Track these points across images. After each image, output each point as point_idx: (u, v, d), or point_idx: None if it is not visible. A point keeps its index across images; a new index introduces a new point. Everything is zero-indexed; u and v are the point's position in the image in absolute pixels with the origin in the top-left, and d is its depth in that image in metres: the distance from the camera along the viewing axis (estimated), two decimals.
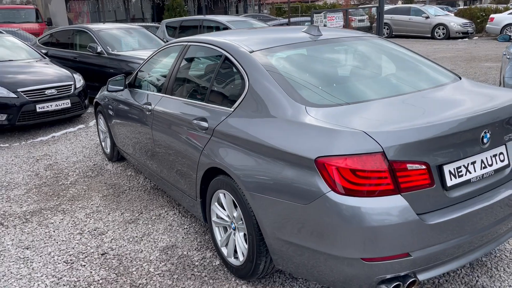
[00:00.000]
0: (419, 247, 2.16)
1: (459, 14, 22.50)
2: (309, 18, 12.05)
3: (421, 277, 2.27)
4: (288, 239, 2.37)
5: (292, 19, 14.10)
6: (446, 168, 2.25)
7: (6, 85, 6.48)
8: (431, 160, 2.16)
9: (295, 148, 2.27)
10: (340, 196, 2.11)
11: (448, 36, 19.34)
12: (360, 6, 27.76)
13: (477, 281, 2.77)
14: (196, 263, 3.10)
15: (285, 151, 2.31)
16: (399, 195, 2.13)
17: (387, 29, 21.35)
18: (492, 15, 18.08)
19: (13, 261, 3.25)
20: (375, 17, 23.57)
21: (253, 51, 2.91)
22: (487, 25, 17.78)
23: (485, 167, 2.40)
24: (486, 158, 2.41)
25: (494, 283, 2.75)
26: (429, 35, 19.82)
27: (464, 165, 2.31)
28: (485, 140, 2.32)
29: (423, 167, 2.15)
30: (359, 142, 2.10)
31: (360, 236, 2.10)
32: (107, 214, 3.97)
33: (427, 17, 20.03)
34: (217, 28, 9.96)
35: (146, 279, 2.96)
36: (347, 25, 12.29)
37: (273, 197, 2.37)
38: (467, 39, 19.32)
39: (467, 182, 2.33)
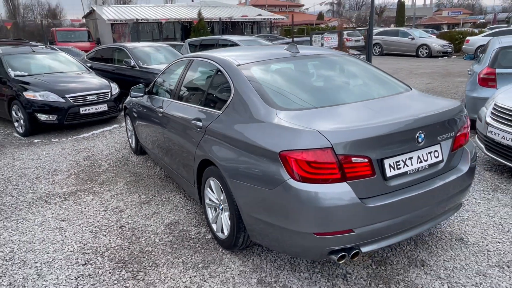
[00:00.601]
0: (361, 225, 2.23)
1: (440, 36, 22.14)
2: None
3: (364, 249, 2.34)
4: (259, 218, 2.47)
5: (296, 39, 14.12)
6: (387, 162, 2.31)
7: (56, 92, 6.71)
8: (372, 154, 2.24)
9: (264, 143, 2.37)
10: (297, 182, 2.20)
11: (430, 55, 19.08)
12: (357, 28, 27.53)
13: (417, 256, 2.82)
14: (193, 236, 3.22)
15: (256, 145, 2.41)
16: (345, 182, 2.21)
17: (379, 48, 21.16)
18: (468, 38, 17.75)
19: (51, 230, 3.42)
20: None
21: (239, 65, 3.01)
22: (464, 46, 17.45)
23: (420, 162, 2.45)
24: (422, 154, 2.46)
25: (432, 258, 2.80)
26: (414, 54, 19.58)
27: (402, 160, 2.37)
28: (419, 140, 2.38)
29: (366, 160, 2.22)
30: (313, 140, 2.19)
31: (312, 215, 2.19)
32: (128, 196, 4.12)
33: (413, 38, 19.79)
34: (230, 45, 10.09)
35: (151, 247, 3.09)
36: (340, 44, 12.25)
37: (248, 183, 2.46)
38: (446, 57, 19.04)
39: (405, 174, 2.39)
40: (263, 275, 2.68)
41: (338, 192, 2.19)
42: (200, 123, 3.04)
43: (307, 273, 2.67)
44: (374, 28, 17.29)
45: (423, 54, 19.38)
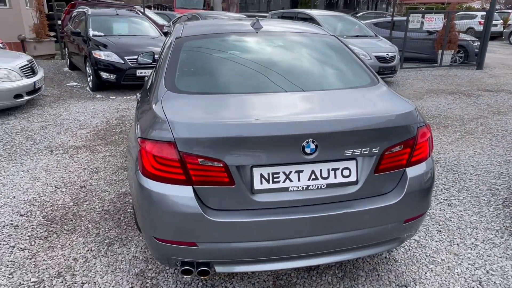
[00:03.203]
0: (206, 240, 1.84)
1: None
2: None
3: (219, 269, 1.95)
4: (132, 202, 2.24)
5: (396, 18, 12.48)
6: (258, 171, 1.84)
7: (118, 53, 7.20)
8: (230, 159, 1.79)
9: (139, 124, 2.10)
10: (142, 176, 1.90)
11: None
12: (499, 10, 23.26)
13: None
14: (128, 215, 3.15)
15: (138, 125, 2.14)
16: (191, 186, 1.83)
17: None
18: None
19: (28, 178, 3.72)
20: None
21: (179, 37, 2.71)
22: None
23: (314, 178, 1.89)
24: (320, 170, 1.89)
25: None
26: None
27: (284, 172, 1.86)
28: (307, 150, 1.81)
29: (220, 164, 1.79)
30: (161, 130, 1.84)
31: (151, 217, 1.88)
32: (116, 159, 4.23)
33: None
34: (309, 20, 9.43)
35: (86, 212, 3.12)
36: (448, 28, 10.41)
37: (131, 162, 2.24)
38: None
39: (284, 189, 1.87)
40: (148, 268, 2.47)
41: (178, 197, 1.82)
42: (138, 95, 2.89)
43: (188, 278, 2.37)
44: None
45: None
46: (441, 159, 4.33)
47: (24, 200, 3.30)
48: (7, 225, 2.94)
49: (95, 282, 2.34)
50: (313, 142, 1.81)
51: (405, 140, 1.98)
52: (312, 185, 1.89)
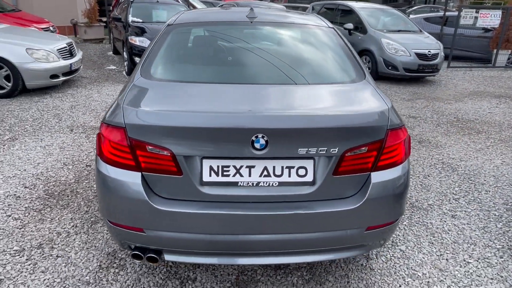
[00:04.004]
0: (152, 228, 1.85)
1: None
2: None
3: (168, 257, 1.96)
4: None
5: (449, 13, 11.62)
6: (208, 163, 1.80)
7: (151, 39, 7.40)
8: (177, 148, 1.77)
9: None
10: (99, 159, 1.94)
11: None
12: None
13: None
14: None
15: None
16: (140, 173, 1.84)
17: None
18: None
19: (43, 153, 3.95)
20: None
21: (170, 25, 2.72)
22: None
23: (266, 175, 1.82)
24: (274, 167, 1.82)
25: None
26: None
27: (234, 166, 1.81)
28: (257, 145, 1.75)
29: (167, 153, 1.78)
30: (115, 115, 1.87)
31: (104, 200, 1.92)
32: None
33: None
34: (348, 12, 9.09)
35: (84, 190, 3.26)
36: (506, 24, 9.54)
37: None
38: None
39: (233, 184, 1.82)
40: (121, 249, 2.54)
41: (126, 182, 1.83)
42: None
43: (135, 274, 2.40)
44: None
45: None
46: (460, 167, 4.01)
47: (32, 174, 3.52)
48: (10, 195, 3.15)
49: (68, 257, 2.45)
50: (263, 137, 1.74)
51: (370, 142, 1.84)
52: (263, 182, 1.82)
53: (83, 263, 2.39)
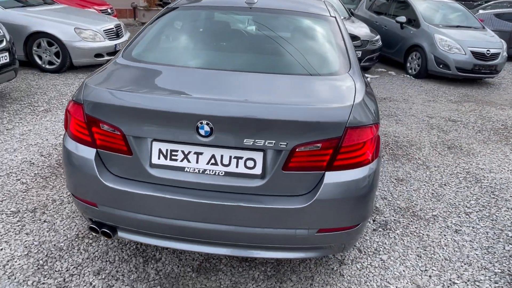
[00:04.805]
0: (103, 203, 1.90)
1: None
2: None
3: (121, 234, 2.01)
4: None
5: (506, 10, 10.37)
6: (157, 146, 1.80)
7: None
8: (127, 128, 1.79)
9: None
10: (65, 133, 2.02)
11: None
12: None
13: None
14: None
15: None
16: (95, 149, 1.89)
17: None
18: None
19: (57, 129, 4.22)
20: None
21: (169, 7, 2.74)
22: None
23: (214, 163, 1.78)
24: (222, 156, 1.77)
25: None
26: None
27: (183, 151, 1.79)
28: (201, 132, 1.71)
29: (118, 132, 1.80)
30: (78, 92, 1.93)
31: (66, 173, 2.00)
32: None
33: None
34: (403, 3, 8.51)
35: None
36: None
37: None
38: None
39: (180, 168, 1.80)
40: (91, 233, 2.64)
41: (82, 157, 1.89)
42: None
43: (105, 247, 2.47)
44: None
45: None
46: (487, 179, 3.62)
47: (51, 144, 3.78)
48: (26, 161, 3.42)
49: (54, 223, 2.60)
50: (207, 124, 1.69)
51: (324, 139, 1.72)
52: (210, 170, 1.78)
53: (64, 230, 2.54)
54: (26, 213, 2.70)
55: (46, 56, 6.27)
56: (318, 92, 1.88)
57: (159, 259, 2.34)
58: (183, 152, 1.79)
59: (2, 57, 4.51)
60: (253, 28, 2.50)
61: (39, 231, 2.51)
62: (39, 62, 6.31)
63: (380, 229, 2.75)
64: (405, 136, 4.63)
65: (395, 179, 3.52)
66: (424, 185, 3.44)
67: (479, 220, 2.94)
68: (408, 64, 8.06)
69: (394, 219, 2.88)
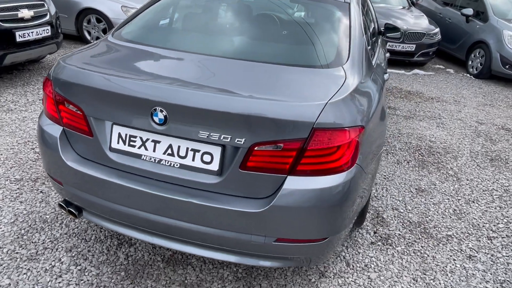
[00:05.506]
0: (66, 182, 1.87)
1: None
2: None
3: (85, 216, 1.98)
4: None
5: None
6: (117, 130, 1.73)
7: None
8: (88, 109, 1.72)
9: None
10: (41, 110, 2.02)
11: None
12: None
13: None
14: None
15: None
16: (62, 128, 1.86)
17: None
18: None
19: None
20: None
21: None
22: None
23: (170, 154, 1.66)
24: (179, 147, 1.65)
25: None
26: None
27: (141, 138, 1.69)
28: (155, 119, 1.59)
29: (79, 112, 1.75)
30: (51, 69, 1.89)
31: (39, 149, 1.99)
32: None
33: None
34: None
35: None
36: None
37: None
38: None
39: (137, 155, 1.71)
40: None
41: (50, 135, 1.86)
42: None
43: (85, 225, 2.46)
44: None
45: None
46: None
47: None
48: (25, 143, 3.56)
49: (48, 195, 2.66)
50: (161, 111, 1.57)
51: (287, 140, 1.51)
52: (165, 161, 1.67)
53: (54, 203, 2.59)
54: (27, 182, 2.80)
55: (94, 32, 6.53)
56: (294, 86, 1.66)
57: (133, 244, 2.30)
58: (141, 138, 1.69)
59: (44, 30, 4.74)
60: (247, 11, 2.31)
61: (32, 201, 2.59)
62: (88, 37, 6.59)
63: (379, 243, 2.47)
64: (443, 141, 4.16)
65: (416, 188, 3.16)
66: (448, 199, 3.05)
67: (502, 248, 2.54)
68: (470, 62, 7.28)
69: (399, 234, 2.58)
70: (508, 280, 2.27)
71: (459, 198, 3.09)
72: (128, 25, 2.26)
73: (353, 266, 2.26)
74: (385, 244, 2.47)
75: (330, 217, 1.62)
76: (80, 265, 2.11)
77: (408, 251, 2.43)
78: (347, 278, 2.17)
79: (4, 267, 2.05)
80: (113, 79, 1.65)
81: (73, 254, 2.18)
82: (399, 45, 6.89)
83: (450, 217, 2.82)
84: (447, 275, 2.26)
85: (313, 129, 1.51)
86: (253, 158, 1.56)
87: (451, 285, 2.19)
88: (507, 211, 2.96)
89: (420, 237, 2.58)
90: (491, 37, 6.74)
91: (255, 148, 1.54)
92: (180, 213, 1.67)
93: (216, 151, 1.60)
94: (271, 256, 1.73)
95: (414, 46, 6.91)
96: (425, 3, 9.13)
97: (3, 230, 2.30)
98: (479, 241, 2.59)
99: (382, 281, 2.17)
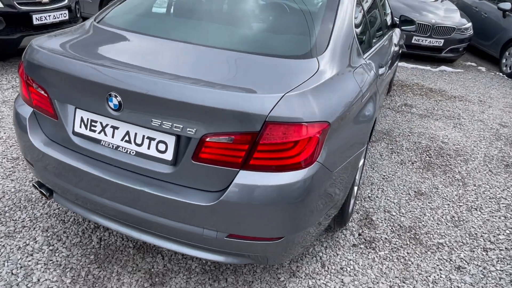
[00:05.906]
0: (36, 164, 1.90)
1: None
2: None
3: (56, 198, 2.01)
4: None
5: None
6: (80, 114, 1.72)
7: None
8: (53, 92, 1.72)
9: None
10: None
11: None
12: None
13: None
14: None
15: None
16: (32, 109, 1.87)
17: None
18: None
19: None
20: None
21: None
22: None
23: (127, 141, 1.64)
24: (135, 134, 1.62)
25: None
26: None
27: (101, 123, 1.68)
28: (110, 104, 1.56)
29: (45, 94, 1.75)
30: (25, 51, 1.90)
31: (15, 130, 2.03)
32: None
33: None
34: None
35: None
36: None
37: None
38: None
39: (97, 141, 1.70)
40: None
41: (20, 115, 1.89)
42: None
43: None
44: None
45: None
46: None
47: None
48: None
49: None
50: (115, 96, 1.54)
51: (238, 132, 1.44)
52: (122, 148, 1.64)
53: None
54: (22, 161, 2.88)
55: None
56: (257, 77, 1.58)
57: (108, 229, 2.31)
58: (101, 124, 1.67)
59: (61, 14, 4.85)
60: (254, 7, 2.22)
61: (22, 180, 2.66)
62: None
63: (361, 246, 2.36)
64: (456, 143, 3.92)
65: (415, 191, 2.99)
66: (448, 205, 2.87)
67: (497, 261, 2.36)
68: (504, 60, 6.82)
69: (385, 238, 2.45)
70: None
71: (460, 204, 2.89)
72: (112, 9, 2.25)
73: (328, 268, 2.16)
74: (368, 247, 2.36)
75: (284, 216, 1.54)
76: (53, 245, 2.15)
77: (391, 257, 2.30)
78: (319, 279, 2.08)
79: None
80: (75, 63, 1.64)
81: (49, 234, 2.22)
82: (425, 39, 6.54)
83: (446, 224, 2.65)
84: (428, 285, 2.12)
85: (266, 122, 1.43)
86: (205, 149, 1.50)
87: None
88: None
89: (408, 243, 2.43)
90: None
91: (207, 140, 1.48)
92: (134, 201, 1.64)
93: (171, 140, 1.56)
94: (225, 251, 1.68)
95: (443, 41, 6.54)
96: None
97: None
98: (473, 251, 2.42)
99: (355, 286, 2.07)
